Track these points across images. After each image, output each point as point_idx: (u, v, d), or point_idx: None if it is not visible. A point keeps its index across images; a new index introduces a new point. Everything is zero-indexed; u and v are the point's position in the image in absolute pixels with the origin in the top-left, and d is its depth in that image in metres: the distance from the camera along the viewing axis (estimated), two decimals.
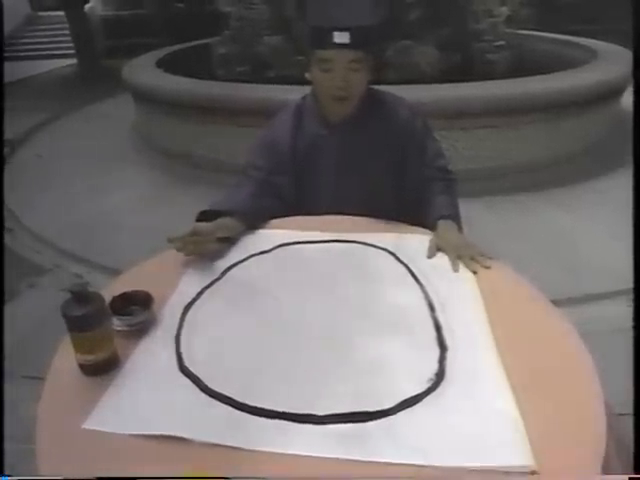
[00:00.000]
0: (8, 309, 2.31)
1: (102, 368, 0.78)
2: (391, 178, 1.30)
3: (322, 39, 1.13)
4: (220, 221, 1.14)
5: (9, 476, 0.72)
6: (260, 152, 1.31)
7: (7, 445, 0.96)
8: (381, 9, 1.21)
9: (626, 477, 0.68)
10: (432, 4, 3.72)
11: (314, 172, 1.30)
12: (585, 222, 2.78)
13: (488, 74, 3.57)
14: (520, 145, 3.17)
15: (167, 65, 4.23)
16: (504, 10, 4.11)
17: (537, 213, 2.93)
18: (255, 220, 1.23)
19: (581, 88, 3.15)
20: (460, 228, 1.26)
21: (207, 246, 1.09)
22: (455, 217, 1.25)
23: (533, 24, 5.29)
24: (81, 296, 0.75)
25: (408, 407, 0.70)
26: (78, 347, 0.76)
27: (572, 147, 3.33)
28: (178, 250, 1.06)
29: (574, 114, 3.22)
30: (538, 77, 3.25)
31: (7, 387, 1.71)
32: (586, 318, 2.10)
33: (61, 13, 9.12)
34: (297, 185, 1.30)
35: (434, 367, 0.77)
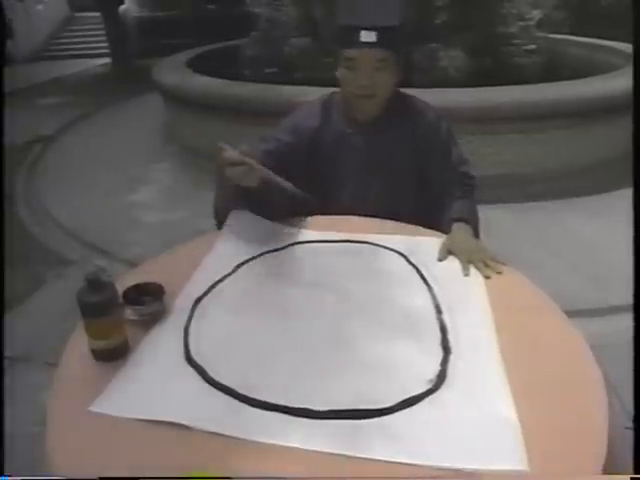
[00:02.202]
0: (35, 297, 2.41)
1: (113, 354, 0.81)
2: (412, 180, 1.30)
3: (349, 38, 1.16)
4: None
5: (9, 476, 0.74)
6: (282, 129, 1.32)
7: (26, 428, 1.00)
8: (408, 10, 1.24)
9: (627, 477, 0.67)
10: (461, 7, 3.68)
11: (335, 169, 1.31)
12: (614, 231, 2.71)
13: (518, 79, 3.51)
14: (548, 151, 3.10)
15: (196, 65, 4.31)
16: (536, 13, 4.04)
17: (564, 221, 2.87)
18: (269, 178, 1.06)
19: (613, 93, 3.06)
20: (476, 233, 1.25)
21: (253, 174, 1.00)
22: (471, 222, 1.24)
23: (568, 28, 5.17)
24: (95, 284, 0.78)
25: (406, 407, 0.70)
26: (90, 333, 0.79)
27: (603, 154, 3.24)
28: (232, 177, 1.00)
29: (606, 120, 3.14)
30: (567, 82, 3.18)
31: (31, 373, 1.79)
32: (611, 330, 2.05)
33: (97, 14, 9.39)
34: (317, 180, 1.30)
35: (436, 369, 0.77)
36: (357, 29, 1.14)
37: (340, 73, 1.23)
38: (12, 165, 4.13)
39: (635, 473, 0.72)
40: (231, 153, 0.98)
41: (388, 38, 1.15)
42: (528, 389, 0.73)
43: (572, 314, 1.05)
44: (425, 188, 1.31)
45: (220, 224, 1.24)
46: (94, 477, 0.60)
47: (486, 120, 2.95)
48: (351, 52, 1.17)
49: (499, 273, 1.03)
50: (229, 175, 1.00)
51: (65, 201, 3.43)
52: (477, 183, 1.35)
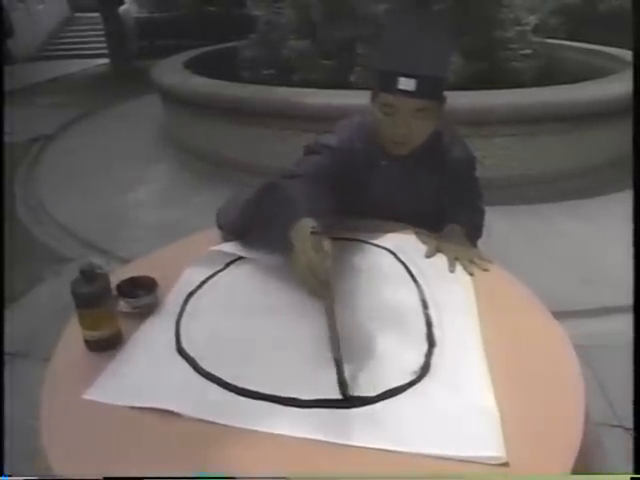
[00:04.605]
0: (34, 294, 2.43)
1: (106, 345, 0.83)
2: (432, 205, 1.30)
3: (387, 83, 1.08)
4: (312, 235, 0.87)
5: (9, 476, 0.75)
6: (328, 145, 1.20)
7: (22, 423, 1.01)
8: (450, 58, 1.15)
9: (628, 477, 0.69)
10: (458, 11, 3.72)
11: (360, 192, 1.26)
12: (606, 234, 2.74)
13: (514, 83, 3.54)
14: (542, 154, 3.13)
15: (195, 66, 4.34)
16: (532, 19, 4.08)
17: (557, 224, 2.90)
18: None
19: (607, 98, 3.09)
20: (473, 242, 1.26)
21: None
22: (464, 226, 1.24)
23: (565, 33, 5.22)
24: (89, 275, 0.81)
25: (390, 397, 0.72)
26: (84, 323, 0.81)
27: (596, 158, 3.28)
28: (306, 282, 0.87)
29: (600, 124, 3.17)
30: (562, 86, 3.21)
31: (29, 369, 1.81)
32: (603, 331, 2.08)
33: (97, 14, 9.43)
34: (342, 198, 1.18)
35: (420, 361, 0.79)
36: (395, 75, 1.05)
37: (376, 114, 1.15)
38: (12, 163, 4.15)
39: (635, 473, 0.73)
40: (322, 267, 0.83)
41: (429, 87, 1.06)
42: (509, 382, 0.75)
43: (564, 315, 1.06)
44: (439, 209, 1.30)
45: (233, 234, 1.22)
46: (97, 477, 0.61)
47: (481, 123, 2.98)
48: (388, 98, 1.09)
49: (485, 270, 1.05)
50: (305, 278, 0.85)
51: (63, 199, 3.45)
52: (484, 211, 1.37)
